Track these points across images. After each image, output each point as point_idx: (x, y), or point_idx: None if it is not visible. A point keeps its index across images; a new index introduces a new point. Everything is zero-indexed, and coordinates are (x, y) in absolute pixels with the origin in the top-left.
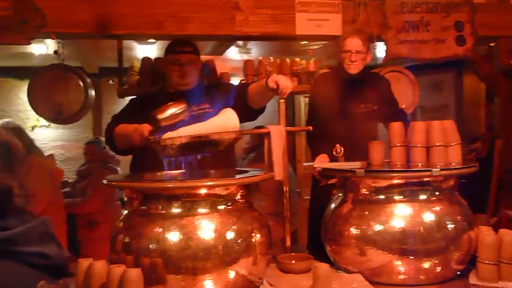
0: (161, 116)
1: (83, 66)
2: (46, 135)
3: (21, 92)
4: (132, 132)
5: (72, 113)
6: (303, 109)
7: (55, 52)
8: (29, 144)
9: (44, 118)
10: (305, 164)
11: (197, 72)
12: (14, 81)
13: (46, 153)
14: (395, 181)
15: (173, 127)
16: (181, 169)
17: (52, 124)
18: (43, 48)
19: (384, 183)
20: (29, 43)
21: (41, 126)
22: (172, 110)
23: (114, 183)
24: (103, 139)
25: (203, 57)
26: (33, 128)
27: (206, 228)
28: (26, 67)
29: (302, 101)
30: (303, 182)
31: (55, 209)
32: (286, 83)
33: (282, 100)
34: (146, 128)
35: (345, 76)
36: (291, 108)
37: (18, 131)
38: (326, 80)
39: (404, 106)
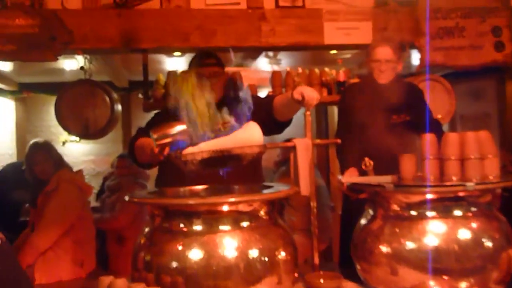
0: (155, 135)
1: (112, 81)
2: (77, 150)
3: (52, 107)
4: (146, 147)
5: (99, 128)
6: (336, 120)
7: (82, 68)
8: (58, 160)
9: (71, 133)
10: (339, 177)
11: (221, 85)
12: (46, 97)
13: (77, 168)
14: (428, 196)
15: (172, 146)
16: (205, 184)
17: (83, 139)
18: (73, 64)
19: (415, 198)
20: (56, 60)
21: (72, 141)
22: (166, 130)
23: (136, 199)
24: None
25: (229, 69)
26: (64, 143)
27: (228, 246)
28: (57, 83)
29: (335, 112)
30: (337, 196)
31: (84, 224)
32: (311, 95)
33: (308, 112)
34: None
35: (375, 86)
36: (324, 120)
37: (47, 148)
38: (356, 90)
39: (439, 116)
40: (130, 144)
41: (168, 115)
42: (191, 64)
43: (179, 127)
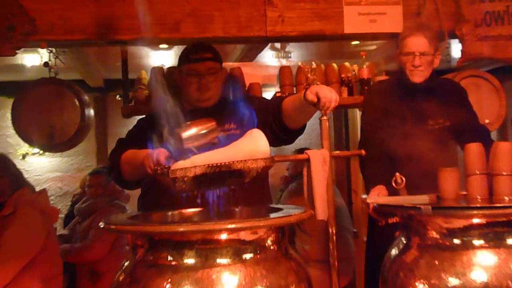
0: (185, 134)
1: (84, 79)
2: (40, 164)
3: (9, 112)
4: (145, 159)
5: (67, 138)
6: (359, 126)
7: (45, 64)
8: (16, 177)
9: (32, 144)
10: (363, 196)
11: (219, 84)
12: (2, 99)
13: (40, 187)
14: (474, 221)
15: (199, 149)
16: (199, 207)
17: (47, 152)
18: (36, 59)
19: (459, 223)
20: (15, 54)
21: (34, 154)
22: (198, 128)
23: (113, 226)
24: None
25: (228, 65)
26: (24, 156)
27: (228, 284)
28: (15, 82)
29: (358, 116)
30: (361, 220)
31: (49, 256)
32: (329, 95)
33: (324, 117)
34: (162, 153)
35: (407, 84)
36: (344, 126)
37: (3, 162)
38: (383, 90)
39: (487, 121)
40: (113, 157)
41: (156, 122)
42: (182, 60)
43: (210, 125)
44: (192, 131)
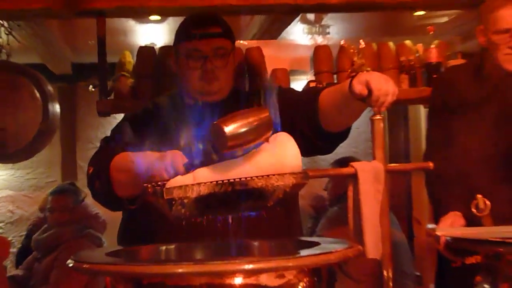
0: (230, 128)
1: (46, 64)
2: None
3: None
4: (155, 162)
5: (23, 144)
6: (424, 130)
7: None
8: None
9: None
10: (429, 226)
11: (230, 70)
12: None
13: None
14: None
15: (243, 151)
16: (203, 240)
17: None
18: None
19: None
20: None
21: None
22: (247, 121)
23: (85, 265)
24: (84, 185)
25: (242, 44)
26: None
27: None
28: None
29: (423, 115)
30: (427, 259)
31: None
32: (384, 86)
33: (377, 117)
34: (178, 157)
35: (497, 73)
36: (403, 129)
37: None
38: (460, 80)
39: None
40: (99, 164)
41: (147, 120)
42: (179, 36)
43: (263, 117)
44: (238, 124)
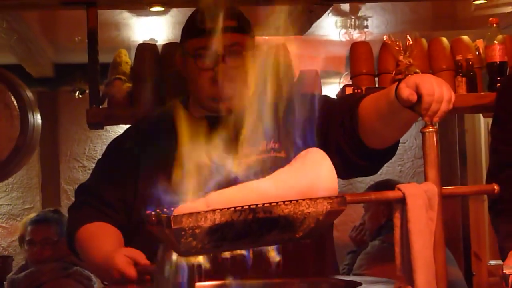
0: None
1: (23, 65)
2: None
3: None
4: (102, 262)
5: None
6: (485, 145)
7: None
8: None
9: None
10: (492, 263)
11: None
12: None
13: None
14: None
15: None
16: (218, 280)
17: None
18: None
19: None
20: None
21: None
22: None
23: None
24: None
25: (263, 40)
26: None
27: None
28: None
29: (483, 127)
30: None
31: None
32: (438, 91)
33: (430, 129)
34: (125, 265)
35: None
36: (457, 143)
37: None
38: None
39: None
40: (68, 226)
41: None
42: (187, 31)
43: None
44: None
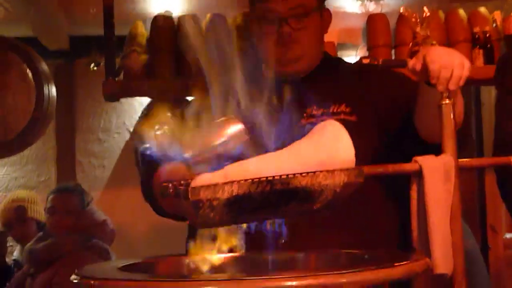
0: (190, 151)
1: (38, 37)
2: None
3: None
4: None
5: (14, 133)
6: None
7: None
8: None
9: None
10: (508, 236)
11: (316, 33)
12: None
13: None
14: None
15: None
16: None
17: None
18: None
19: None
20: None
21: None
22: (211, 136)
23: (93, 281)
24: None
25: None
26: None
27: None
28: None
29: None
30: (506, 277)
31: None
32: (445, 58)
33: (446, 101)
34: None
35: None
36: (475, 116)
37: None
38: None
39: None
40: (144, 173)
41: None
42: None
43: (234, 128)
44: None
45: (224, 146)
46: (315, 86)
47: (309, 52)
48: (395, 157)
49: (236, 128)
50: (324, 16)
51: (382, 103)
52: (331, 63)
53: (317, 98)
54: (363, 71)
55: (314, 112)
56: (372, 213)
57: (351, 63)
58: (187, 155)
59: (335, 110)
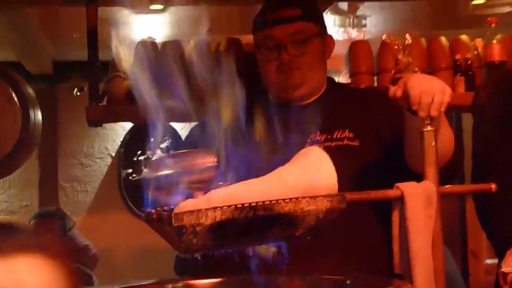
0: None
1: (21, 61)
2: None
3: None
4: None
5: (1, 156)
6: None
7: None
8: None
9: None
10: (489, 262)
11: (317, 59)
12: None
13: None
14: None
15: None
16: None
17: None
18: None
19: None
20: None
21: None
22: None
23: None
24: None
25: None
26: None
27: None
28: None
29: None
30: None
31: None
32: (425, 84)
33: (428, 128)
34: None
35: None
36: (457, 141)
37: None
38: None
39: None
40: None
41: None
42: (254, 25)
43: (208, 162)
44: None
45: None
46: (318, 111)
47: (311, 78)
48: (397, 179)
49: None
50: (326, 42)
51: (384, 127)
52: (334, 88)
53: (321, 123)
54: (367, 96)
55: (318, 138)
56: (359, 237)
57: (355, 88)
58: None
59: (338, 136)
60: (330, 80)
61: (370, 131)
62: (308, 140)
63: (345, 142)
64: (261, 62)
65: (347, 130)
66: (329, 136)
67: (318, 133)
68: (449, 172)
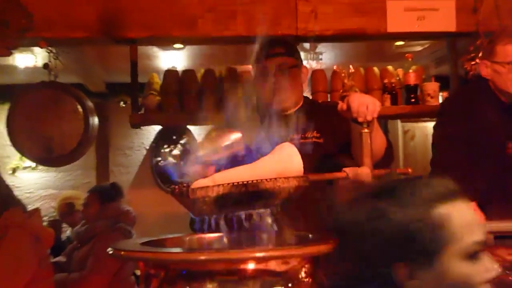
0: (201, 150)
1: (84, 83)
2: (31, 180)
3: (1, 120)
4: None
5: (68, 150)
6: (402, 143)
7: (45, 65)
8: (6, 196)
9: (29, 157)
10: None
11: (297, 83)
12: None
13: (32, 206)
14: None
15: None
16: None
17: (41, 166)
18: (30, 60)
19: None
20: (10, 54)
21: (25, 168)
22: (216, 141)
23: (122, 252)
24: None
25: (247, 68)
26: (14, 171)
27: None
28: (9, 86)
29: (400, 131)
30: None
31: (42, 287)
32: (362, 99)
33: (365, 130)
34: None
35: (502, 102)
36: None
37: None
38: (475, 99)
39: None
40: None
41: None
42: (254, 58)
43: (235, 135)
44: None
45: (228, 148)
46: (296, 119)
47: (291, 96)
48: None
49: (237, 135)
50: (302, 70)
51: (338, 130)
52: (308, 103)
53: (297, 128)
54: (329, 109)
55: (294, 137)
56: (317, 205)
57: (322, 103)
58: (200, 154)
59: (309, 136)
60: (305, 98)
61: (330, 133)
62: (288, 138)
63: (314, 140)
64: (257, 84)
65: (315, 132)
66: (303, 136)
67: (295, 134)
68: (384, 162)
